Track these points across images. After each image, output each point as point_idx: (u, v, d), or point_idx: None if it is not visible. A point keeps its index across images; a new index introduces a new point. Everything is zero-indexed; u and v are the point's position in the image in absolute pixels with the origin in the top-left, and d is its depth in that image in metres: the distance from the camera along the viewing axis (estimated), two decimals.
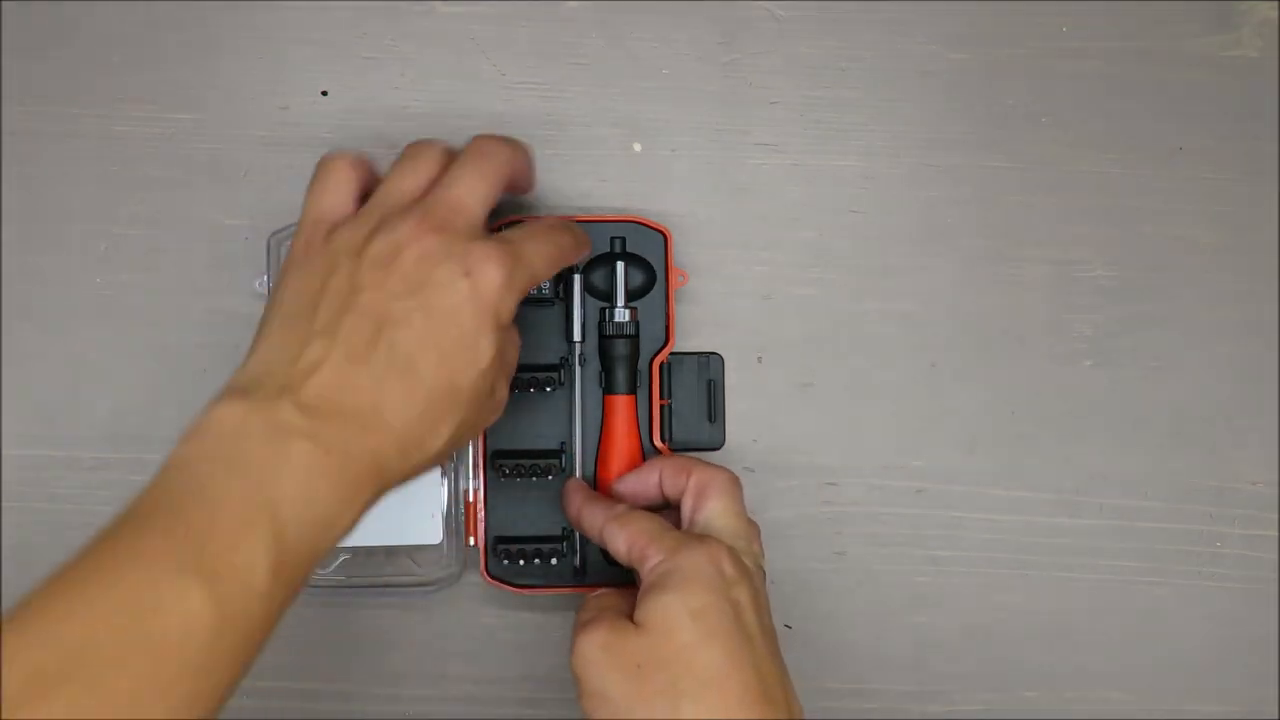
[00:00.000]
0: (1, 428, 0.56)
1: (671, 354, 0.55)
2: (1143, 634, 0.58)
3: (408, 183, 0.46)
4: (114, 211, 0.57)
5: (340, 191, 0.47)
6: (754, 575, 0.47)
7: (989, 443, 0.58)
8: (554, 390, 0.54)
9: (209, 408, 0.41)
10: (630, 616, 0.45)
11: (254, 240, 0.56)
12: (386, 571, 0.56)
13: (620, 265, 0.54)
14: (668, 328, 0.55)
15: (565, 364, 0.55)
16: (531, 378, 0.53)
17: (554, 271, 0.48)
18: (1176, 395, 0.58)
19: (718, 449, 0.56)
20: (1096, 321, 0.58)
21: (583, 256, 0.52)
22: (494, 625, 0.56)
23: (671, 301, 0.55)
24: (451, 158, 0.47)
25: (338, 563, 0.54)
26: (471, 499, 0.55)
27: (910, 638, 0.57)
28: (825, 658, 0.57)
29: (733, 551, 0.46)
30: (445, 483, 0.55)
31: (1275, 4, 0.59)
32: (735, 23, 0.58)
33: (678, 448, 0.55)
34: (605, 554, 0.53)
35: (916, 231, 0.58)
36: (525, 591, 0.55)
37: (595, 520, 0.50)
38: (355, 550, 0.54)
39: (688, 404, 0.55)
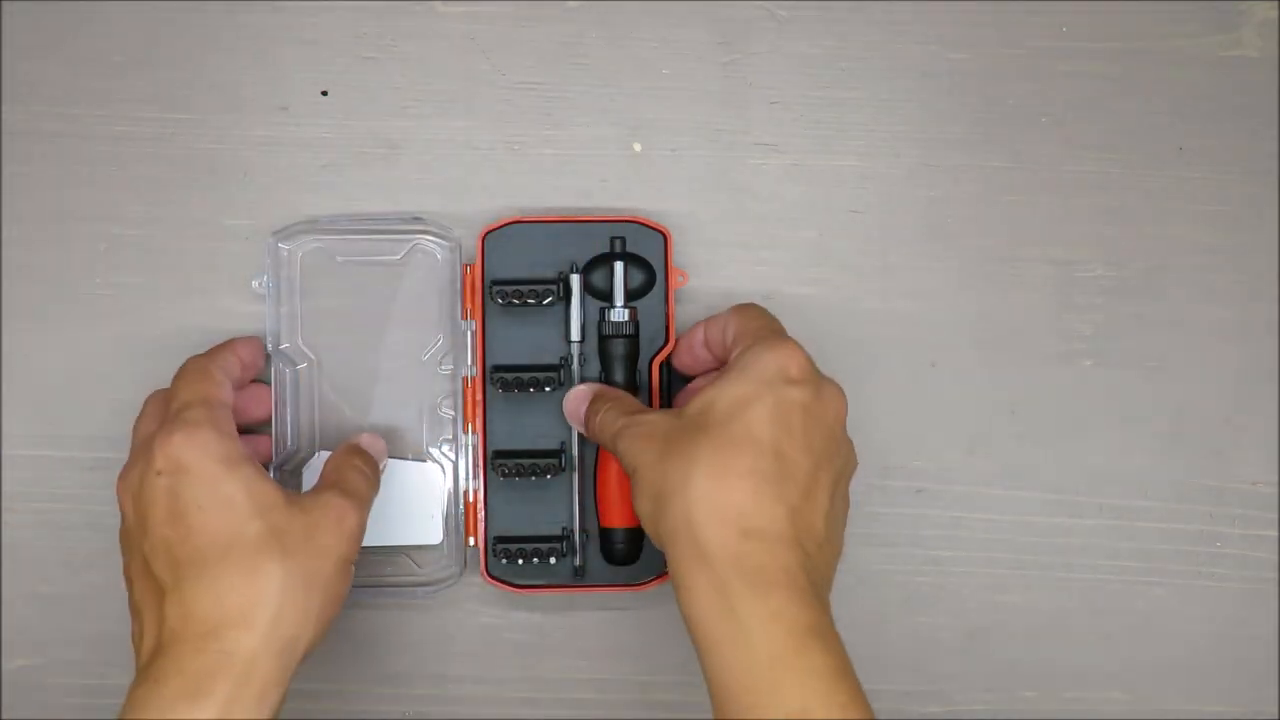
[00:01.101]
0: (1, 428, 0.56)
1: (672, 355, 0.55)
2: (1143, 634, 0.58)
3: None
4: (114, 211, 0.57)
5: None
6: (823, 385, 0.47)
7: (989, 443, 0.58)
8: (554, 390, 0.54)
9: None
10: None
11: (254, 240, 0.56)
12: (387, 572, 0.55)
13: (619, 265, 0.54)
14: (668, 328, 0.55)
15: (565, 364, 0.55)
16: (531, 378, 0.53)
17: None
18: (1176, 395, 0.58)
19: None
20: (1096, 321, 0.58)
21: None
22: (494, 625, 0.56)
23: (671, 301, 0.55)
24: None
25: None
26: (472, 499, 0.55)
27: (910, 638, 0.57)
28: None
29: (807, 360, 0.46)
30: (446, 483, 0.55)
31: (1275, 4, 0.59)
32: (735, 23, 0.58)
33: None
34: (606, 553, 0.54)
35: (916, 231, 0.58)
36: (525, 591, 0.55)
37: (610, 421, 0.50)
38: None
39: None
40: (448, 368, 0.55)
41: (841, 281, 0.58)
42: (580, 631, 0.57)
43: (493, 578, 0.54)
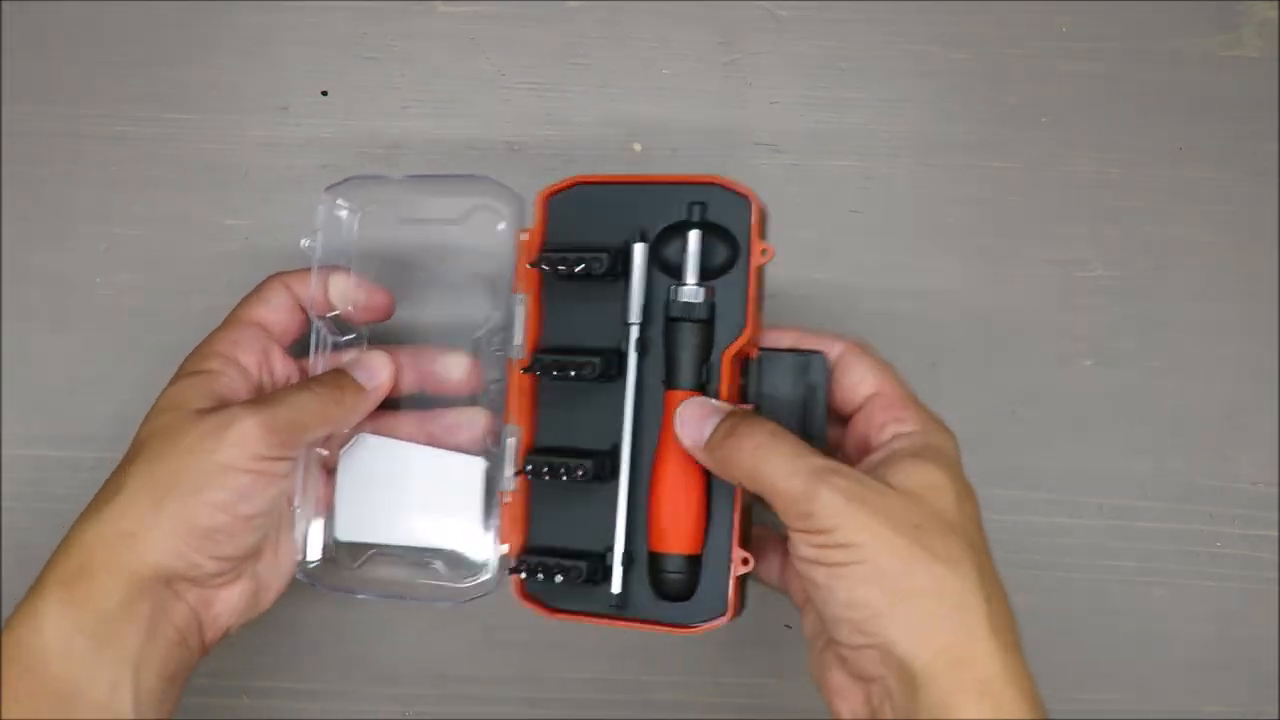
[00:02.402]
0: (1, 428, 0.56)
1: (764, 350, 0.46)
2: (1143, 634, 0.58)
3: None
4: (114, 211, 0.57)
5: None
6: None
7: (989, 443, 0.58)
8: (604, 381, 0.46)
9: None
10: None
11: (254, 240, 0.56)
12: (415, 576, 0.50)
13: (694, 234, 0.45)
14: (748, 313, 0.45)
15: (620, 351, 0.46)
16: (573, 363, 0.45)
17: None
18: (1176, 395, 0.58)
19: None
20: (1096, 321, 0.58)
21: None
22: (494, 625, 0.56)
23: (754, 280, 0.45)
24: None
25: (363, 560, 0.50)
26: (509, 500, 0.48)
27: None
28: None
29: None
30: (484, 482, 0.49)
31: (1275, 4, 0.59)
32: (735, 23, 0.58)
33: None
34: (655, 583, 0.46)
35: (916, 231, 0.58)
36: (560, 616, 0.48)
37: (795, 476, 0.40)
38: (377, 552, 0.50)
39: (779, 412, 0.45)
40: (498, 350, 0.49)
41: (841, 282, 0.58)
42: (580, 631, 0.57)
43: (529, 598, 0.47)
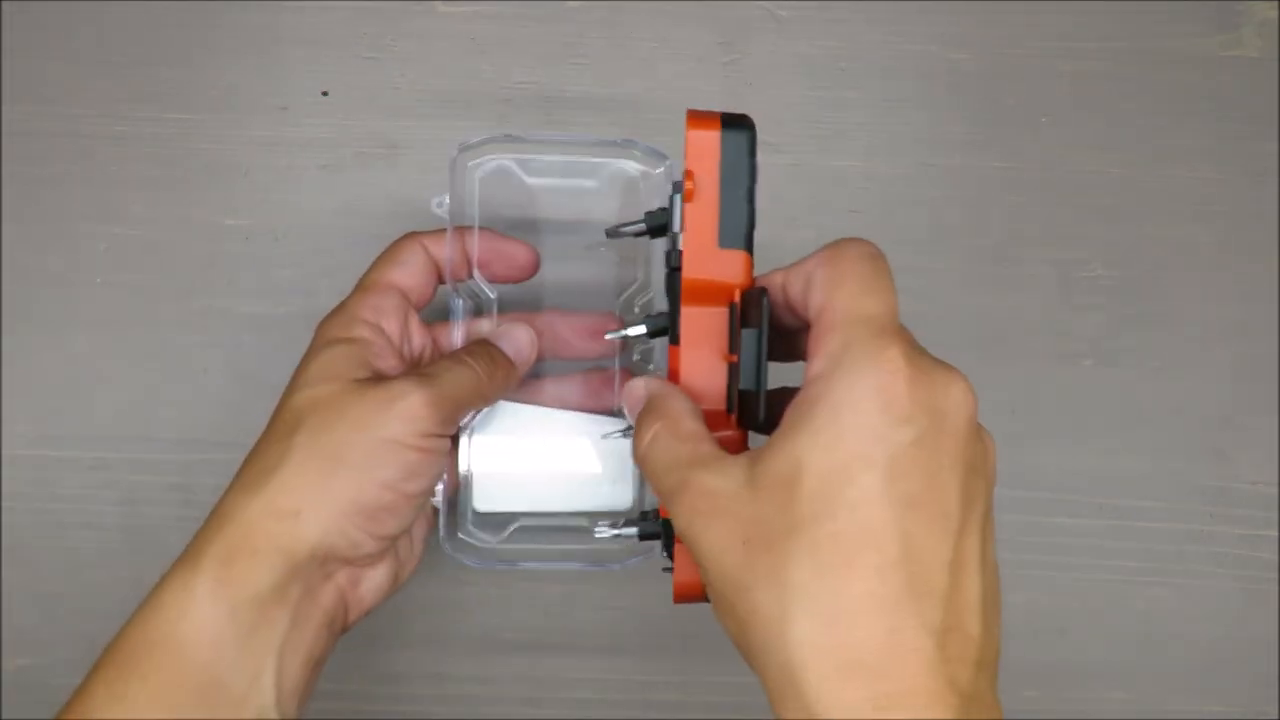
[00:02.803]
0: (1, 428, 0.56)
1: (744, 293, 0.41)
2: (1143, 634, 0.58)
3: None
4: (114, 211, 0.57)
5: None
6: (942, 391, 0.34)
7: None
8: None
9: None
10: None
11: (254, 240, 0.56)
12: (572, 544, 0.49)
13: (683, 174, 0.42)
14: (681, 252, 0.41)
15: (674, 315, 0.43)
16: (655, 326, 0.44)
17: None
18: (1176, 395, 0.58)
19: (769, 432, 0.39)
20: (1097, 321, 0.58)
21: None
22: (494, 625, 0.56)
23: (686, 213, 0.42)
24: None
25: (510, 531, 0.49)
26: None
27: None
28: None
29: (910, 369, 0.33)
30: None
31: (1275, 4, 0.59)
32: (735, 23, 0.58)
33: (742, 425, 0.41)
34: (667, 549, 0.43)
35: (916, 231, 0.58)
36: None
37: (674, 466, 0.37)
38: (524, 523, 0.49)
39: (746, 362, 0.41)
40: (646, 311, 0.48)
41: None
42: (580, 631, 0.57)
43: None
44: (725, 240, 0.41)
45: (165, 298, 0.57)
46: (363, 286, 0.46)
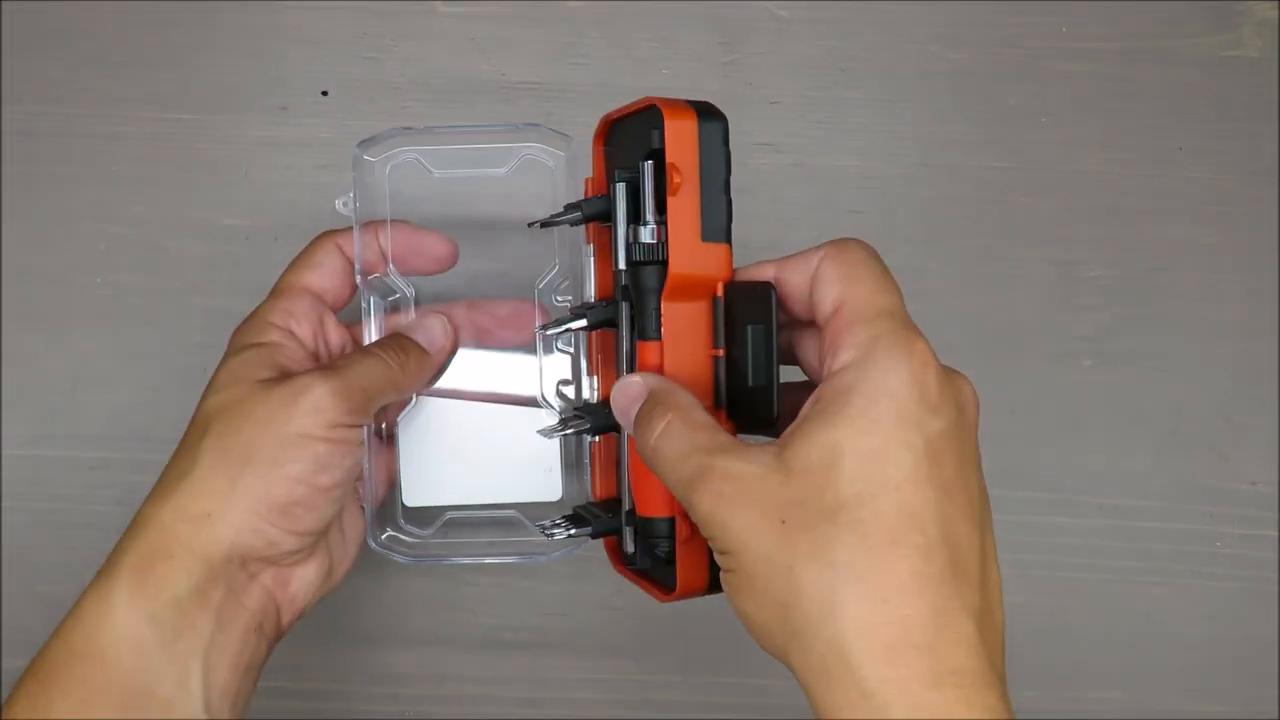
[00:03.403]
0: (1, 428, 0.56)
1: (727, 286, 0.40)
2: (1143, 634, 0.58)
3: None
4: (114, 211, 0.56)
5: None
6: (957, 387, 0.36)
7: (989, 443, 0.57)
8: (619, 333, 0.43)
9: None
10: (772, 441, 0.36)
11: (254, 240, 0.56)
12: (496, 536, 0.49)
13: (646, 166, 0.41)
14: (668, 246, 0.40)
15: (612, 302, 0.43)
16: (576, 313, 0.44)
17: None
18: (1176, 395, 0.58)
19: (772, 427, 0.39)
20: (1096, 321, 0.58)
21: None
22: (494, 625, 0.56)
23: (671, 207, 0.40)
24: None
25: (437, 526, 0.49)
26: (594, 453, 0.47)
27: None
28: None
29: (936, 362, 0.35)
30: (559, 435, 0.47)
31: (1275, 4, 0.59)
32: (735, 23, 0.58)
33: (742, 420, 0.40)
34: (650, 548, 0.42)
35: (916, 231, 0.58)
36: (620, 570, 0.45)
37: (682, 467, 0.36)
38: (453, 517, 0.49)
39: (741, 357, 0.40)
40: (565, 299, 0.48)
41: None
42: (580, 631, 0.57)
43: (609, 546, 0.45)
44: (708, 234, 0.40)
45: (165, 298, 0.57)
46: (275, 291, 0.47)
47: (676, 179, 0.39)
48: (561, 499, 0.48)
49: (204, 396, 0.43)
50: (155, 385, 0.55)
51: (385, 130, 0.47)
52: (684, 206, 0.40)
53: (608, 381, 0.46)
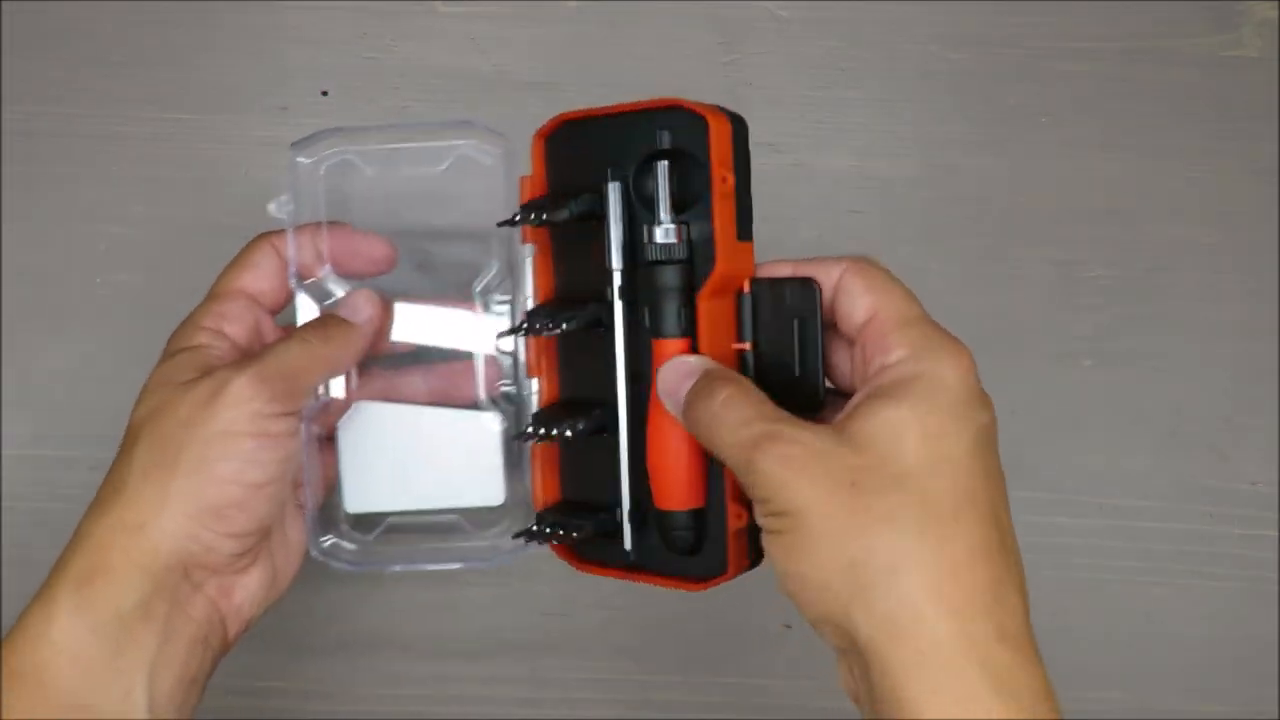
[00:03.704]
0: (2, 428, 0.56)
1: (755, 282, 0.42)
2: (1143, 634, 0.58)
3: None
4: (114, 211, 0.57)
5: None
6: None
7: None
8: (599, 331, 0.43)
9: None
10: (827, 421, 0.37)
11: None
12: (438, 542, 0.48)
13: (662, 166, 0.41)
14: (714, 248, 0.41)
15: (606, 300, 0.43)
16: (567, 316, 0.43)
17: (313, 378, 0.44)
18: (1176, 395, 0.58)
19: (815, 413, 0.41)
20: (1096, 321, 0.58)
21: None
22: (495, 625, 0.56)
23: (719, 210, 0.41)
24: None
25: (378, 532, 0.48)
26: (536, 456, 0.47)
27: None
28: (827, 657, 0.57)
29: (974, 363, 0.38)
30: (502, 437, 0.47)
31: (1275, 4, 0.59)
32: (735, 23, 0.58)
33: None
34: (666, 541, 0.43)
35: (916, 231, 0.58)
36: (588, 570, 0.45)
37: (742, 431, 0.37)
38: (394, 523, 0.48)
39: (775, 351, 0.41)
40: (504, 298, 0.48)
41: None
42: (580, 631, 0.57)
43: (557, 547, 0.45)
44: (742, 233, 0.42)
45: (165, 298, 0.56)
46: (209, 294, 0.46)
47: (729, 179, 0.41)
48: (503, 504, 0.47)
49: (134, 408, 0.43)
50: None
51: (319, 131, 0.46)
52: (726, 207, 0.41)
53: (550, 383, 0.46)
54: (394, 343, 0.48)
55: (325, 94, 0.57)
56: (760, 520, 0.37)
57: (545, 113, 0.57)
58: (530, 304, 0.45)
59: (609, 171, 0.43)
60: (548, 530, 0.44)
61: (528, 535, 0.44)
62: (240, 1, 0.57)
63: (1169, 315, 0.58)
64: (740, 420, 0.37)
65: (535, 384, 0.46)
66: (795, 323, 0.41)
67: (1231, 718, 0.58)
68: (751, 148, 0.58)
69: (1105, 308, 0.58)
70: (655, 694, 0.57)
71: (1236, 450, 0.58)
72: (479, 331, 0.48)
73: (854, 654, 0.35)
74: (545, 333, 0.43)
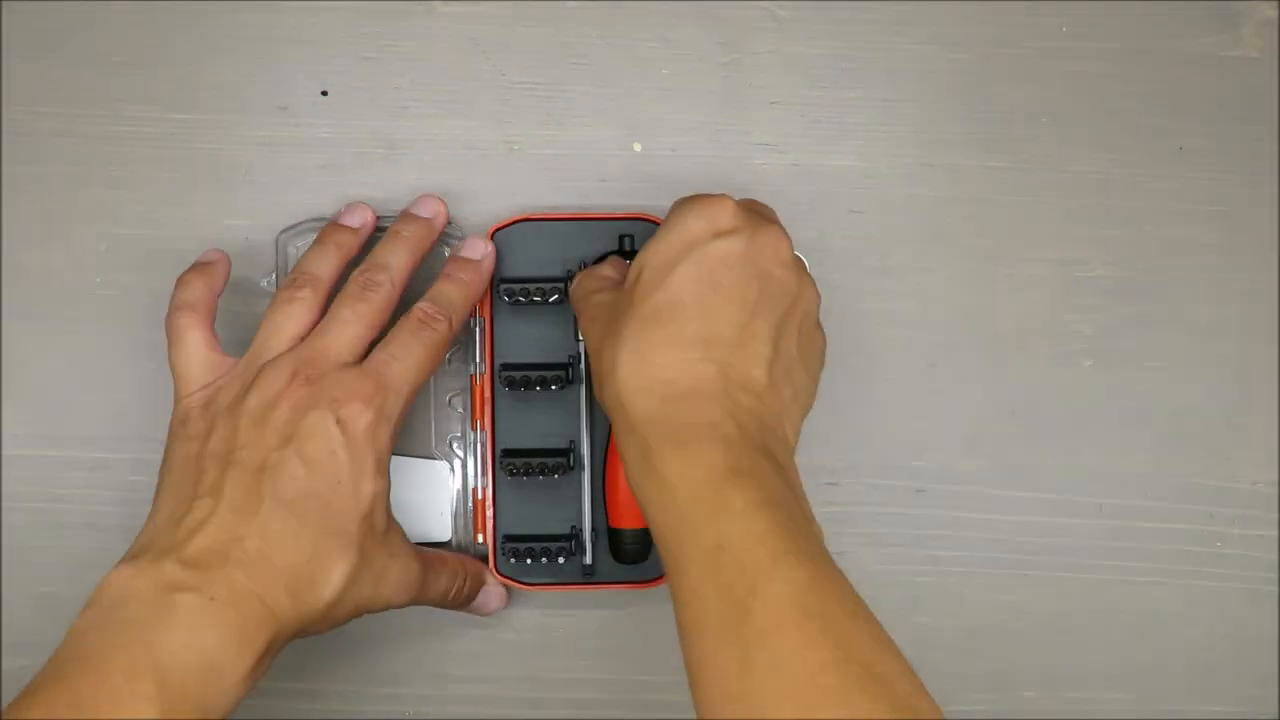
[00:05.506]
0: (1, 428, 0.56)
1: None
2: (1143, 634, 0.58)
3: (285, 329, 0.48)
4: (114, 211, 0.57)
5: (197, 356, 0.49)
6: (758, 230, 0.46)
7: (989, 443, 0.58)
8: (561, 388, 0.53)
9: (102, 578, 0.43)
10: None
11: (254, 240, 0.56)
12: None
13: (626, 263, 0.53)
14: None
15: (573, 363, 0.54)
16: (539, 376, 0.53)
17: (429, 373, 0.49)
18: (1176, 395, 0.58)
19: None
20: (1096, 321, 0.58)
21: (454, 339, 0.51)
22: (494, 625, 0.56)
23: None
24: (325, 294, 0.50)
25: None
26: (480, 496, 0.55)
27: (910, 638, 0.57)
28: None
29: (737, 207, 0.46)
30: (455, 480, 0.55)
31: (1275, 4, 0.59)
32: (735, 23, 0.58)
33: None
34: (615, 553, 0.54)
35: (916, 231, 0.58)
36: (533, 589, 0.54)
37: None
38: None
39: None
40: (456, 365, 0.55)
41: (841, 281, 0.58)
42: (580, 631, 0.57)
43: (502, 575, 0.54)
44: None
45: (165, 298, 0.56)
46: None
47: None
48: (450, 540, 0.55)
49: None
50: (155, 385, 0.55)
51: (304, 220, 0.55)
52: None
53: (492, 434, 0.54)
54: None
55: (325, 94, 0.57)
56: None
57: (545, 113, 0.58)
58: (480, 366, 0.54)
59: (578, 263, 0.54)
60: (525, 553, 0.54)
61: (515, 554, 0.54)
62: (240, 2, 0.57)
63: (1169, 315, 0.58)
64: (579, 292, 0.50)
65: (479, 435, 0.54)
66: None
67: (1231, 718, 0.58)
68: (751, 148, 0.58)
69: (1105, 308, 0.58)
70: (655, 694, 0.57)
71: (1236, 450, 0.58)
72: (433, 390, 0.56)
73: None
74: (519, 389, 0.53)
